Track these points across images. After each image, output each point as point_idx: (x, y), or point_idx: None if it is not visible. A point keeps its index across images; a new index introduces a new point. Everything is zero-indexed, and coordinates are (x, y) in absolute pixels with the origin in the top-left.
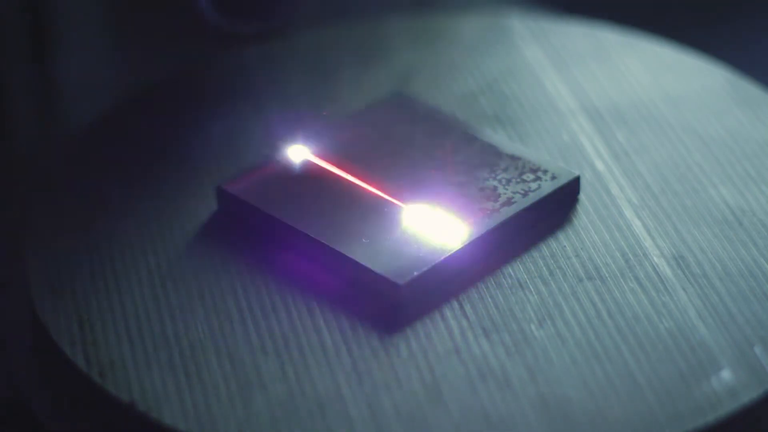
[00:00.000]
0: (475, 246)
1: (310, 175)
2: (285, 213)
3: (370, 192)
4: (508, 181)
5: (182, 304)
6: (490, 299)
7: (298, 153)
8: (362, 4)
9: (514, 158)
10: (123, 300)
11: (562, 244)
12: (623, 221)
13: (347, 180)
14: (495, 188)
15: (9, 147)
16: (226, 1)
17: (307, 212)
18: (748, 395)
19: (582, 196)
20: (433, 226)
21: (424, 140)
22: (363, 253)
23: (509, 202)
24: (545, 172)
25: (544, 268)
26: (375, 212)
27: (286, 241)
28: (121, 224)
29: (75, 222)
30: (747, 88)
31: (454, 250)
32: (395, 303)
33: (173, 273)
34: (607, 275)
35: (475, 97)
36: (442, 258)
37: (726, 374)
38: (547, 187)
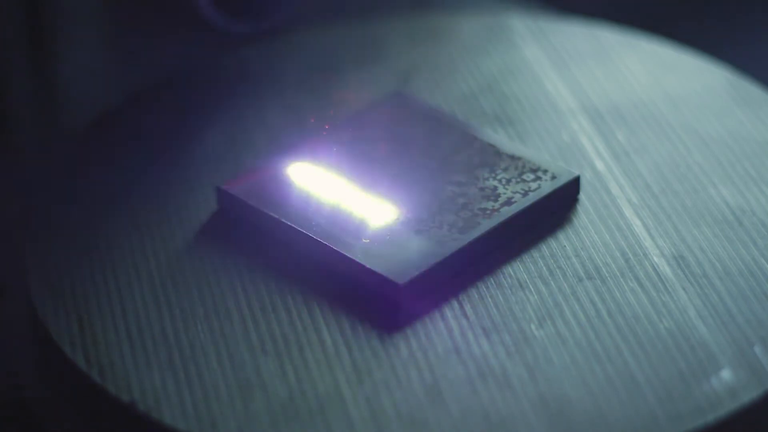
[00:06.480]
0: (476, 246)
1: (310, 175)
2: (285, 213)
3: (370, 192)
4: (508, 181)
5: (182, 304)
6: (490, 299)
7: (298, 153)
8: (362, 4)
9: (514, 158)
10: (123, 300)
11: (562, 244)
12: (623, 221)
13: (347, 180)
14: (495, 188)
15: (9, 147)
16: (226, 1)
17: (307, 212)
18: (748, 395)
19: (582, 196)
20: (432, 226)
21: (424, 140)
22: (363, 253)
23: (509, 202)
24: (545, 171)
25: (544, 268)
26: (375, 212)
27: (286, 241)
28: (121, 224)
29: (75, 222)
30: (747, 88)
31: (454, 250)
32: (395, 303)
33: (173, 273)
34: (607, 275)
35: (475, 97)
36: (442, 258)
37: (726, 374)
38: (547, 186)
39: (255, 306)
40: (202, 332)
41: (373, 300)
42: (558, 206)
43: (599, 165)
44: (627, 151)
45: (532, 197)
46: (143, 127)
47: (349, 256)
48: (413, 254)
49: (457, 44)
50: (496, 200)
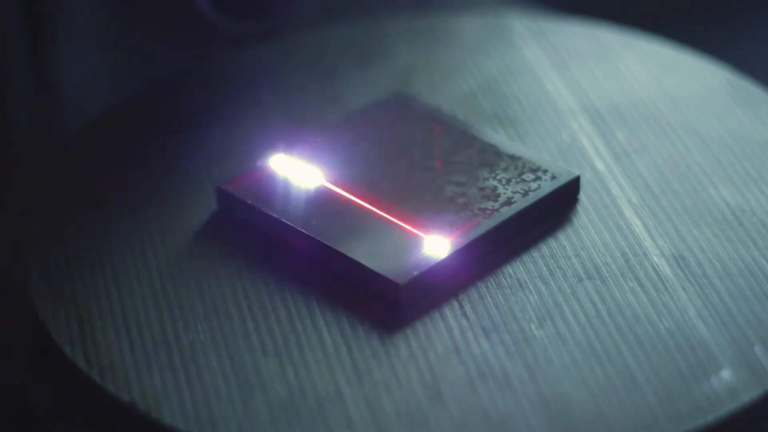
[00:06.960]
0: (475, 246)
1: (309, 175)
2: (285, 213)
3: (370, 192)
4: (508, 181)
5: (182, 304)
6: (490, 299)
7: (298, 153)
8: (362, 4)
9: (514, 158)
10: (123, 300)
11: (562, 244)
12: (623, 221)
13: (347, 180)
14: (495, 188)
15: (9, 147)
16: (226, 1)
17: (307, 212)
18: (748, 395)
19: (582, 196)
20: (432, 226)
21: (424, 140)
22: (363, 253)
23: (509, 202)
24: (545, 172)
25: (544, 268)
26: (375, 212)
27: (285, 241)
28: (121, 224)
29: (75, 222)
30: (747, 88)
31: (454, 250)
32: (395, 303)
33: (173, 273)
34: (607, 275)
35: (475, 97)
36: (442, 258)
37: (726, 374)
38: (547, 186)
39: (255, 306)
40: (202, 332)
41: (373, 300)
42: (558, 206)
43: (599, 165)
44: (627, 151)
45: (532, 197)
46: (143, 127)
47: (349, 256)
48: (413, 254)
49: (457, 44)
50: (496, 200)
